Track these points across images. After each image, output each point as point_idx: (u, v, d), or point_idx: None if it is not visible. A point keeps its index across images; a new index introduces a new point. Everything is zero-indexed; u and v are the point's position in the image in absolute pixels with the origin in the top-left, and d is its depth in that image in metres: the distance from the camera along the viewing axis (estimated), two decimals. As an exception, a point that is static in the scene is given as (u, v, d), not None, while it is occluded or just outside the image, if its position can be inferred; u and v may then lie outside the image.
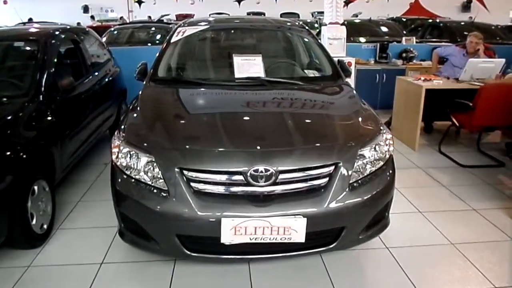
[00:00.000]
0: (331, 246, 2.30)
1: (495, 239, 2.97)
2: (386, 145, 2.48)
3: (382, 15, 15.91)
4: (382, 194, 2.38)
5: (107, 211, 2.96)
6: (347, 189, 2.24)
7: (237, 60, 3.20)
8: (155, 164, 2.22)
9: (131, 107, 2.87)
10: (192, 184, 2.17)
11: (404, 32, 9.01)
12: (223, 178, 2.16)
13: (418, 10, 20.29)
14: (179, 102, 2.92)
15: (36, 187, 2.76)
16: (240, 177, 2.14)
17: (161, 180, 2.20)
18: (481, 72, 4.78)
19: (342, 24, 6.04)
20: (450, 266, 2.65)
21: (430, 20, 11.63)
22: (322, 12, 20.37)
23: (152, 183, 2.23)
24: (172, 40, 3.47)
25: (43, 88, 3.17)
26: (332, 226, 2.27)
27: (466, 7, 22.91)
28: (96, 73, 4.31)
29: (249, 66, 3.16)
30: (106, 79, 4.59)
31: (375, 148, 2.41)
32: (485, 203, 3.50)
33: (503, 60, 4.84)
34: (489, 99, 4.07)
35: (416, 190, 3.71)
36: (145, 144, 2.32)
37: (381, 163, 2.42)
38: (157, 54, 3.37)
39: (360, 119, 2.64)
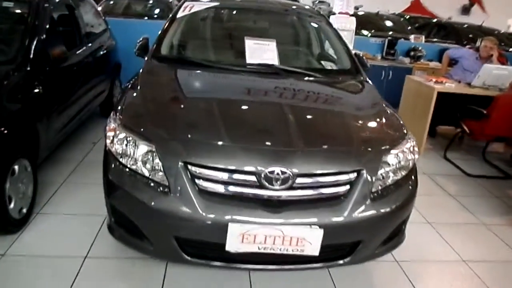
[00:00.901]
0: (344, 261, 2.08)
1: (507, 259, 2.80)
2: (411, 152, 2.26)
3: (382, 10, 15.64)
4: (404, 206, 2.16)
5: (94, 196, 2.71)
6: (368, 199, 2.01)
7: (249, 43, 2.91)
8: (155, 155, 1.95)
9: (129, 85, 2.57)
10: (197, 181, 1.90)
11: (409, 28, 8.79)
12: (233, 177, 1.89)
13: (418, 8, 20.04)
14: (186, 86, 2.61)
15: (16, 167, 2.46)
16: (253, 178, 1.89)
17: (161, 173, 1.93)
18: (495, 79, 4.59)
19: (352, 15, 5.76)
20: (463, 285, 2.47)
21: (435, 20, 11.41)
22: (323, 1, 19.91)
23: (150, 175, 1.95)
24: (178, 16, 3.15)
25: (31, 56, 2.83)
26: (350, 240, 2.04)
27: (466, 10, 22.73)
28: (90, 44, 3.96)
29: (262, 51, 2.88)
30: (101, 52, 4.24)
31: (399, 155, 2.18)
32: (494, 218, 3.35)
33: (515, 67, 4.67)
34: (505, 108, 3.88)
35: (423, 198, 3.49)
36: (146, 131, 2.03)
37: (405, 172, 2.20)
38: (161, 30, 3.06)
39: (384, 121, 2.40)
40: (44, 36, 3.03)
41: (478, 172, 4.24)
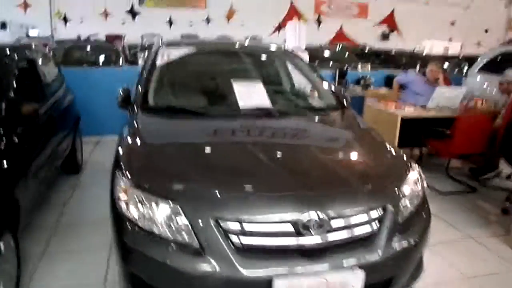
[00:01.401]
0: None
1: (501, 270, 2.94)
2: (420, 180, 2.32)
3: (312, 41, 16.51)
4: (425, 234, 2.19)
5: (80, 265, 2.68)
6: (397, 233, 2.02)
7: (237, 86, 2.89)
8: (181, 214, 1.81)
9: (125, 140, 2.40)
10: (232, 237, 1.79)
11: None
12: (269, 228, 1.81)
13: (342, 38, 21.45)
14: (191, 136, 2.49)
15: (1, 244, 2.17)
16: (290, 227, 1.82)
17: (189, 234, 1.79)
18: (446, 100, 4.93)
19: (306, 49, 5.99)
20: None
21: (364, 48, 12.21)
22: (255, 37, 20.58)
23: (177, 237, 1.81)
24: (158, 63, 3.06)
25: (3, 115, 2.58)
26: (387, 276, 2.02)
27: (385, 36, 24.63)
28: (53, 98, 3.71)
29: (251, 94, 2.86)
30: (63, 105, 3.98)
31: (412, 184, 2.23)
32: (478, 230, 3.51)
33: (465, 88, 5.07)
34: (466, 128, 4.16)
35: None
36: (165, 189, 1.90)
37: (419, 200, 2.24)
38: (142, 79, 2.94)
39: (388, 154, 2.46)
40: (13, 92, 2.78)
41: (448, 188, 4.46)
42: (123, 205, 1.92)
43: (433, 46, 22.64)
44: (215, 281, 1.74)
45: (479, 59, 6.43)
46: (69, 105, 4.22)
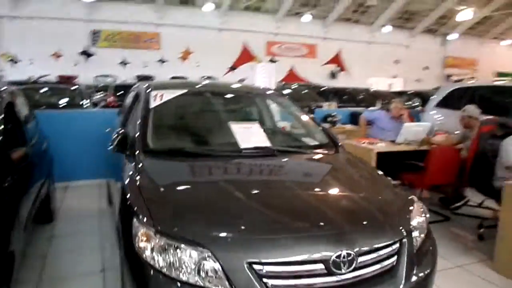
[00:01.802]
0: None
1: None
2: (424, 211, 2.43)
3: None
4: (435, 262, 2.28)
5: None
6: (413, 264, 2.09)
7: (235, 128, 2.92)
8: (212, 260, 1.78)
9: (137, 185, 2.30)
10: (266, 280, 1.77)
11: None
12: (302, 269, 1.82)
13: (293, 77, 22.29)
14: (204, 178, 2.47)
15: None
16: (321, 266, 1.83)
17: (221, 279, 1.76)
18: (413, 135, 5.23)
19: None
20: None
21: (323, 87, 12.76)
22: (210, 77, 21.13)
23: (207, 284, 1.76)
24: (151, 106, 3.04)
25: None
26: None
27: (333, 75, 25.89)
28: (32, 142, 3.53)
29: (250, 134, 2.91)
30: (40, 149, 3.80)
31: (418, 216, 2.33)
32: (463, 258, 3.68)
33: (429, 123, 5.41)
34: (439, 159, 4.42)
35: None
36: (194, 234, 1.85)
37: (425, 231, 2.34)
38: (138, 123, 2.89)
39: (392, 189, 2.56)
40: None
41: (424, 219, 4.65)
42: (148, 254, 1.85)
43: (378, 83, 24.20)
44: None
45: (435, 95, 6.92)
46: (45, 149, 4.04)
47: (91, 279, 3.12)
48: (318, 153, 2.94)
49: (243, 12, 22.99)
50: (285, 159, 2.75)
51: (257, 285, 1.74)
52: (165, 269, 1.80)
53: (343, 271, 1.85)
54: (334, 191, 2.41)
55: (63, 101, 7.63)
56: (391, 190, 2.56)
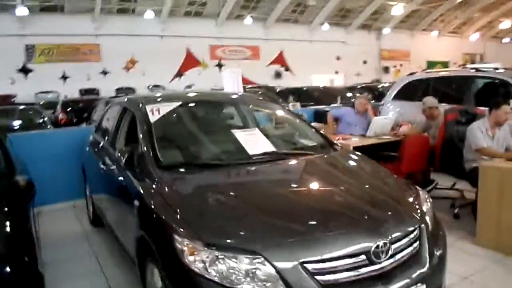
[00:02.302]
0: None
1: (484, 267, 3.39)
2: (427, 198, 2.65)
3: (211, 85, 17.12)
4: (445, 242, 2.49)
5: None
6: (432, 246, 2.29)
7: (240, 136, 3.01)
8: (266, 265, 1.86)
9: (163, 201, 2.33)
10: (317, 277, 1.88)
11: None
12: (348, 262, 1.95)
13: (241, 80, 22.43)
14: (229, 186, 2.53)
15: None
16: (363, 257, 1.98)
17: (276, 282, 1.84)
18: (381, 127, 5.57)
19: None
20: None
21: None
22: (158, 86, 20.82)
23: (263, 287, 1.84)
24: (152, 121, 3.03)
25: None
26: (437, 285, 2.25)
27: (278, 75, 26.42)
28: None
29: (254, 141, 3.00)
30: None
31: (424, 204, 2.54)
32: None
33: (395, 116, 5.78)
34: (412, 148, 4.75)
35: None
36: (243, 242, 1.93)
37: (432, 215, 2.55)
38: (142, 138, 2.88)
39: (398, 180, 2.76)
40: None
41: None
42: (199, 266, 1.88)
43: (320, 80, 25.04)
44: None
45: (391, 89, 7.37)
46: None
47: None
48: (321, 153, 3.09)
49: (184, 18, 22.82)
50: (294, 162, 2.87)
51: (312, 282, 1.84)
52: (219, 280, 1.85)
53: (382, 259, 2.00)
54: (353, 187, 2.57)
55: (17, 123, 7.23)
56: (395, 181, 2.76)
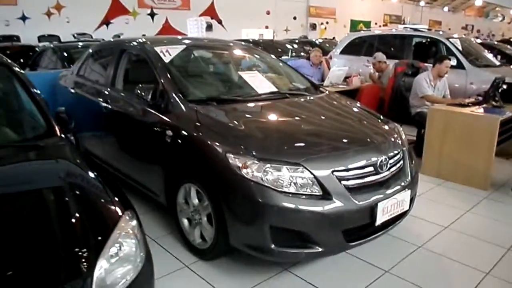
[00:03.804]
0: (410, 210, 2.96)
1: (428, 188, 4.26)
2: (402, 130, 3.33)
3: (139, 35, 16.60)
4: (416, 164, 3.21)
5: None
6: (412, 164, 2.99)
7: (245, 76, 3.43)
8: (305, 172, 2.39)
9: (207, 128, 2.70)
10: (343, 182, 2.46)
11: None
12: (362, 171, 2.55)
13: (169, 30, 21.99)
14: (260, 116, 2.98)
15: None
16: (371, 168, 2.59)
17: (315, 186, 2.39)
18: (336, 78, 6.25)
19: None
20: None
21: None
22: (84, 34, 19.56)
23: (305, 190, 2.38)
24: (166, 61, 3.30)
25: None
26: (414, 193, 2.95)
27: (209, 27, 26.04)
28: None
29: (259, 81, 3.44)
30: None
31: (402, 133, 3.22)
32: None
33: (347, 68, 6.47)
34: (366, 96, 5.50)
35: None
36: (288, 156, 2.43)
37: (407, 143, 3.24)
38: (161, 76, 3.15)
39: (376, 114, 3.40)
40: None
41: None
42: (254, 175, 2.36)
43: (248, 34, 25.24)
44: (342, 213, 2.40)
45: (338, 43, 8.06)
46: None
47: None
48: (314, 93, 3.61)
49: (110, -38, 21.33)
50: (298, 99, 3.37)
51: (340, 185, 2.43)
52: (270, 184, 2.35)
53: (384, 170, 2.64)
54: (354, 119, 3.17)
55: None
56: (379, 116, 3.39)
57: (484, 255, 2.99)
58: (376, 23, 29.96)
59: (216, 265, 2.76)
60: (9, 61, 2.82)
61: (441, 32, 7.34)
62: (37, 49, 11.26)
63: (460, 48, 6.42)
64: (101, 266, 1.53)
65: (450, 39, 6.59)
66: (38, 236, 1.60)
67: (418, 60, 6.23)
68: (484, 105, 4.48)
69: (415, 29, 7.24)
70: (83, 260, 1.52)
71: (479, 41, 10.56)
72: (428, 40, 7.19)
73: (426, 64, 5.75)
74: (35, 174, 2.05)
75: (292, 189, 2.37)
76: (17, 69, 2.77)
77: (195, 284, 2.59)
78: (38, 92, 2.68)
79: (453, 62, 5.64)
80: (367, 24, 28.41)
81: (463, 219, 3.56)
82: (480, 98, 4.76)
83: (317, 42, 13.01)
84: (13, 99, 2.68)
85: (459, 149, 4.27)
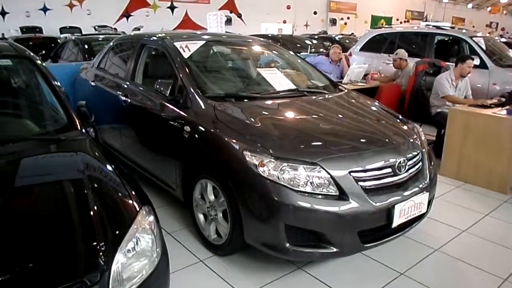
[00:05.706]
0: (427, 212, 2.91)
1: (447, 190, 4.19)
2: (422, 131, 3.27)
3: (158, 28, 16.68)
4: (436, 166, 3.16)
5: None
6: (430, 166, 2.94)
7: (264, 74, 3.42)
8: (321, 172, 2.37)
9: (227, 126, 2.69)
10: (360, 183, 2.44)
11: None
12: (379, 173, 2.53)
13: (189, 24, 22.07)
14: (280, 114, 2.97)
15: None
16: (390, 170, 2.56)
17: (331, 186, 2.37)
18: (355, 75, 6.18)
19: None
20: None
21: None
22: (104, 26, 19.79)
23: (321, 190, 2.36)
24: (186, 56, 3.32)
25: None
26: (432, 195, 2.91)
27: (229, 21, 26.04)
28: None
29: (278, 79, 3.42)
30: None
31: (422, 134, 3.17)
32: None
33: (367, 65, 6.39)
34: (386, 94, 5.42)
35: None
36: (304, 155, 2.41)
37: (427, 144, 3.18)
38: (180, 71, 3.17)
39: (395, 115, 3.34)
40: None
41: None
42: (271, 173, 2.35)
43: (268, 29, 25.14)
44: (358, 214, 2.38)
45: (358, 40, 7.96)
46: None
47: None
48: (333, 92, 3.57)
49: (133, -45, 21.49)
50: (316, 97, 3.34)
51: (357, 186, 2.40)
52: (286, 183, 2.34)
53: (402, 171, 2.61)
54: (373, 118, 3.12)
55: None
56: (399, 117, 3.34)
57: (502, 260, 2.93)
58: (397, 19, 29.44)
59: (231, 261, 2.78)
60: (32, 54, 2.87)
61: (464, 30, 7.17)
62: (59, 41, 11.46)
63: (483, 47, 6.26)
64: (118, 260, 1.56)
65: (474, 38, 6.43)
66: (58, 228, 1.64)
67: (440, 59, 6.11)
68: (507, 107, 4.37)
69: (438, 27, 7.09)
70: (101, 253, 1.54)
71: (503, 40, 10.30)
72: (451, 38, 7.04)
73: (448, 63, 5.63)
74: (56, 167, 2.10)
75: (308, 189, 2.36)
76: (39, 62, 2.82)
77: (209, 279, 2.61)
78: (60, 85, 2.73)
79: (476, 61, 5.51)
80: (388, 21, 27.98)
81: (482, 223, 3.50)
82: (503, 99, 4.65)
83: (336, 38, 12.82)
84: (35, 93, 2.74)
85: (480, 151, 4.18)
